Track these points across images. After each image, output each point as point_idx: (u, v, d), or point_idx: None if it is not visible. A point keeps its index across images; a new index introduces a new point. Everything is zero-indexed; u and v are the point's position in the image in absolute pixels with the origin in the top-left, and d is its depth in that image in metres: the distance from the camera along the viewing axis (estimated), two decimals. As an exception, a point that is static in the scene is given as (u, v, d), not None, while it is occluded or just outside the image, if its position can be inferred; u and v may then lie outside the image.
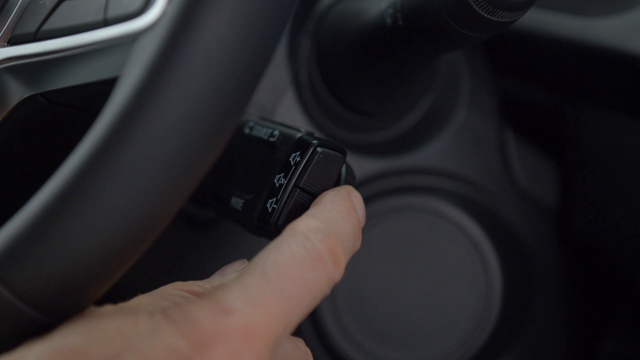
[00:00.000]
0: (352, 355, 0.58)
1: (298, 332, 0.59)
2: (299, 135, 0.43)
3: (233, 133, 0.33)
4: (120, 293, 0.60)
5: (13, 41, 0.42)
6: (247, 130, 0.46)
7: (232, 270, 0.41)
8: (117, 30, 0.36)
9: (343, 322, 0.58)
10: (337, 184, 0.43)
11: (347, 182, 0.43)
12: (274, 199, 0.41)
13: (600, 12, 0.55)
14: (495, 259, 0.59)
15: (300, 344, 0.38)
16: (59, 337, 0.31)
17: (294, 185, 0.41)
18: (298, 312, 0.34)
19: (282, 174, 0.42)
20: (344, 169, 0.43)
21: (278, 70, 0.57)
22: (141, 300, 0.35)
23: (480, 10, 0.40)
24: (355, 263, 0.58)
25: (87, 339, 0.31)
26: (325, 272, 0.35)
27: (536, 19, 0.58)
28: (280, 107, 0.57)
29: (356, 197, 0.41)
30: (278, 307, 0.33)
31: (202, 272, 0.59)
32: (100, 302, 0.37)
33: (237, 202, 0.44)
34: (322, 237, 0.36)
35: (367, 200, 0.59)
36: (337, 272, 0.36)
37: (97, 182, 0.30)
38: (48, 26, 0.40)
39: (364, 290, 0.59)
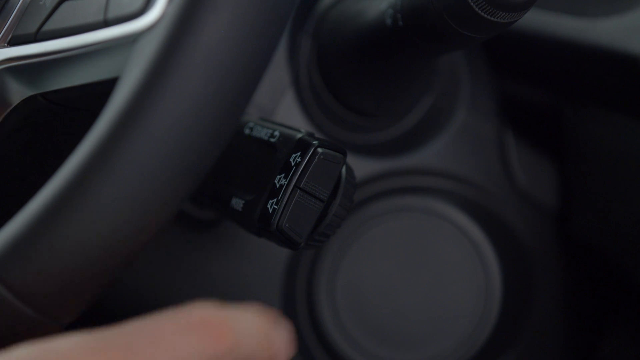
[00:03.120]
0: (352, 356, 0.58)
1: (297, 331, 0.59)
2: (299, 135, 0.43)
3: (233, 134, 0.33)
4: (120, 293, 0.60)
5: (13, 42, 0.42)
6: (247, 131, 0.46)
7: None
8: (118, 30, 0.36)
9: (343, 322, 0.58)
10: (337, 184, 0.43)
11: (348, 183, 0.43)
12: (275, 199, 0.41)
13: (600, 13, 0.55)
14: (495, 260, 0.59)
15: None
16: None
17: (295, 186, 0.41)
18: None
19: (283, 175, 0.42)
20: (344, 169, 0.43)
21: (278, 71, 0.57)
22: None
23: (480, 11, 0.40)
24: (354, 263, 0.58)
25: None
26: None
27: (536, 19, 0.58)
28: (280, 108, 0.57)
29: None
30: None
31: (202, 272, 0.59)
32: (101, 302, 0.37)
33: (237, 203, 0.44)
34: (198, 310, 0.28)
35: (367, 200, 0.59)
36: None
37: (97, 182, 0.30)
38: (48, 27, 0.40)
39: (364, 290, 0.59)
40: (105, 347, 0.26)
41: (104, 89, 0.35)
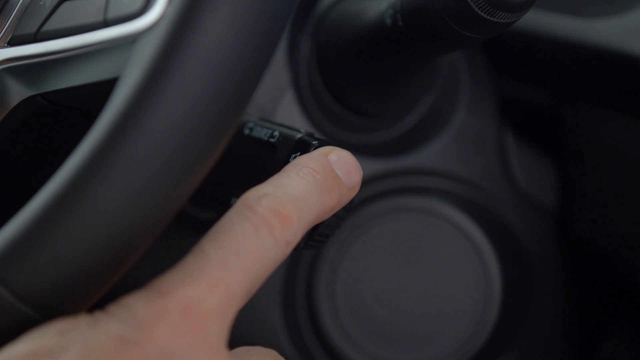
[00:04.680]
0: (351, 356, 0.58)
1: (297, 332, 0.59)
2: (298, 135, 0.43)
3: (233, 134, 0.33)
4: (120, 293, 0.60)
5: (13, 42, 0.42)
6: (247, 131, 0.46)
7: None
8: (117, 31, 0.36)
9: (342, 322, 0.58)
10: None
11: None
12: (274, 199, 0.41)
13: (599, 13, 0.55)
14: (495, 260, 0.59)
15: (273, 355, 0.37)
16: (5, 353, 0.31)
17: (294, 186, 0.41)
18: (246, 281, 0.33)
19: (282, 175, 0.42)
20: (343, 169, 0.43)
21: (278, 71, 0.57)
22: None
23: (479, 11, 0.40)
24: (354, 263, 0.58)
25: (30, 342, 0.31)
26: (270, 235, 0.34)
27: (535, 19, 0.58)
28: (280, 108, 0.57)
29: (338, 154, 0.39)
30: (218, 280, 0.33)
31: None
32: (101, 302, 0.37)
33: (237, 203, 0.44)
34: (266, 202, 0.35)
35: (366, 200, 0.59)
36: (287, 233, 0.34)
37: (96, 183, 0.30)
38: (48, 27, 0.40)
39: (364, 290, 0.59)
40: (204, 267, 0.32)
41: (104, 89, 0.35)
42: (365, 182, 0.59)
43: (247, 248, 0.34)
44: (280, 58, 0.57)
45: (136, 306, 0.32)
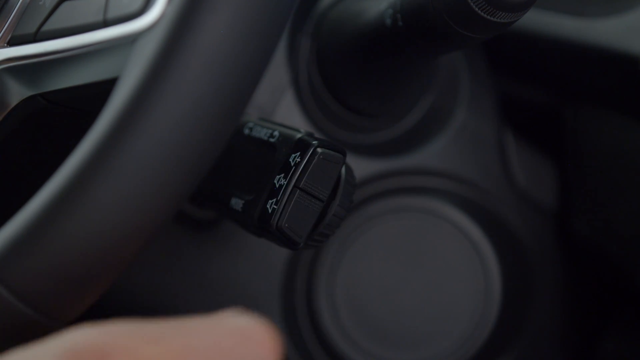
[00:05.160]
0: (351, 356, 0.58)
1: (297, 331, 0.59)
2: (298, 135, 0.43)
3: (233, 134, 0.33)
4: (120, 293, 0.60)
5: (13, 42, 0.42)
6: (246, 131, 0.46)
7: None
8: (117, 31, 0.36)
9: (342, 322, 0.58)
10: (336, 184, 0.43)
11: (347, 183, 0.43)
12: (274, 199, 0.41)
13: (599, 13, 0.55)
14: (495, 260, 0.59)
15: None
16: None
17: (294, 186, 0.41)
18: None
19: (282, 175, 0.42)
20: (343, 169, 0.43)
21: (277, 71, 0.57)
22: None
23: (479, 11, 0.40)
24: (354, 263, 0.58)
25: None
26: None
27: (535, 19, 0.58)
28: (280, 108, 0.57)
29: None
30: None
31: (201, 272, 0.59)
32: (100, 302, 0.37)
33: (237, 203, 0.44)
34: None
35: (366, 200, 0.59)
36: None
37: (96, 182, 0.30)
38: (48, 27, 0.40)
39: (363, 290, 0.59)
40: (161, 338, 0.25)
41: (104, 89, 0.35)
42: (366, 182, 0.59)
43: None
44: (280, 58, 0.57)
45: None
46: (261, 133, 0.45)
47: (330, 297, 0.58)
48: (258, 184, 0.43)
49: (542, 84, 0.63)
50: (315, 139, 0.42)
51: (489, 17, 0.40)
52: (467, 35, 0.42)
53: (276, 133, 0.44)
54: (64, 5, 0.40)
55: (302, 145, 0.42)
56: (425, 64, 0.56)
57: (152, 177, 0.31)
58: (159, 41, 0.31)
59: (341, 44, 0.54)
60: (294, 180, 0.41)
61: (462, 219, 0.59)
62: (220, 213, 0.53)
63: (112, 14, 0.37)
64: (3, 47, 0.42)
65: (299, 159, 0.41)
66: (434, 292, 0.59)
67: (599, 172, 0.60)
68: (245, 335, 0.26)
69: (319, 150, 0.41)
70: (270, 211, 0.41)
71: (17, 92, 0.41)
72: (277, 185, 0.42)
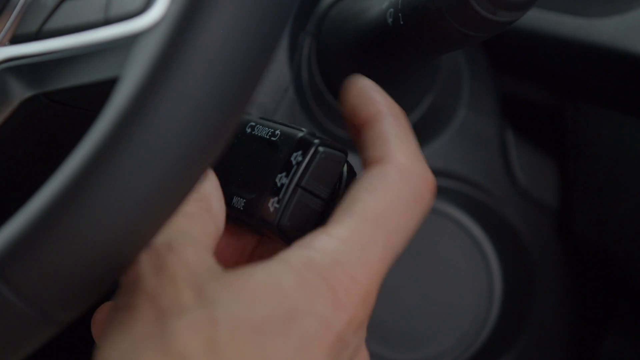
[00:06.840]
0: (353, 355, 0.58)
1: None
2: (300, 134, 0.43)
3: (234, 133, 0.33)
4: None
5: (15, 40, 0.42)
6: (248, 130, 0.46)
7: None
8: (119, 29, 0.36)
9: (344, 321, 0.58)
10: (338, 183, 0.43)
11: (348, 182, 0.43)
12: (276, 198, 0.41)
13: (601, 12, 0.55)
14: (496, 259, 0.59)
15: None
16: None
17: (296, 185, 0.41)
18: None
19: (284, 174, 0.42)
20: (345, 168, 0.43)
21: (279, 70, 0.57)
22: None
23: (481, 10, 0.40)
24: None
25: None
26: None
27: (537, 18, 0.58)
28: (282, 107, 0.57)
29: None
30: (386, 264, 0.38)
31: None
32: (102, 302, 0.37)
33: (238, 202, 0.44)
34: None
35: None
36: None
37: (98, 180, 0.30)
38: (50, 25, 0.40)
39: (365, 289, 0.58)
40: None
41: (106, 88, 0.35)
42: (367, 181, 0.59)
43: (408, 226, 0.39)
44: (281, 57, 0.57)
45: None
46: (263, 132, 0.45)
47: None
48: (260, 183, 0.43)
49: (543, 82, 0.64)
50: (317, 137, 0.42)
51: (490, 15, 0.40)
52: (469, 34, 0.42)
53: (278, 132, 0.44)
54: (66, 3, 0.40)
55: (303, 144, 0.42)
56: (426, 63, 0.56)
57: (154, 176, 0.31)
58: (161, 40, 0.31)
59: (342, 42, 0.54)
60: (295, 179, 0.41)
61: (464, 218, 0.59)
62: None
63: (113, 12, 0.37)
64: (5, 45, 0.42)
65: (300, 158, 0.41)
66: (435, 291, 0.59)
67: (600, 171, 0.60)
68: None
69: (320, 149, 0.41)
70: (271, 210, 0.41)
71: (19, 92, 0.41)
72: (278, 184, 0.42)
